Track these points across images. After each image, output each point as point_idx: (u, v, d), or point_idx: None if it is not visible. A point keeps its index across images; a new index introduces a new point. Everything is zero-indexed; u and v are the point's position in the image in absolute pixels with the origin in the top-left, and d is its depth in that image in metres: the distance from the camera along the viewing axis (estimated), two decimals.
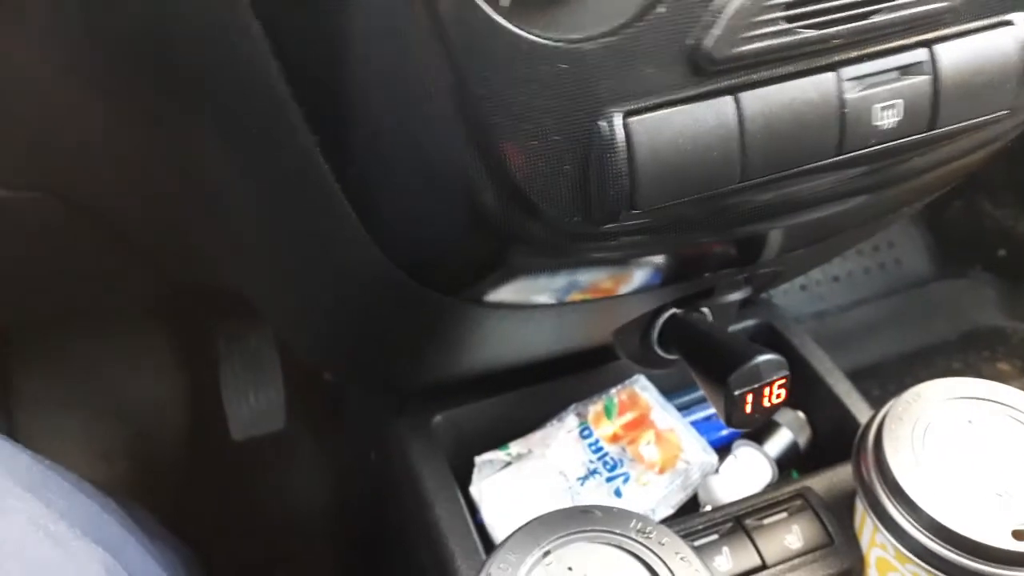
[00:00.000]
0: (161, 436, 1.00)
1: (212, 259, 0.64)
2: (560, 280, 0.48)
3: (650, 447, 0.69)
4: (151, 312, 1.02)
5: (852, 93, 0.40)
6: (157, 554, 0.50)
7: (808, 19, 0.37)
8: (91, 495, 0.47)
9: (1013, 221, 1.34)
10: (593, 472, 0.68)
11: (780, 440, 0.72)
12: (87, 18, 0.43)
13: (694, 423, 0.73)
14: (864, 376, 1.22)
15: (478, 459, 0.69)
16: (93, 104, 0.51)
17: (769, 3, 0.36)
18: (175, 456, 1.01)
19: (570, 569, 0.48)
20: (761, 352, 0.55)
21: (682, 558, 0.48)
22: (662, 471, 0.68)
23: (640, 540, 0.49)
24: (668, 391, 0.75)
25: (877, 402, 0.71)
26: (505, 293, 0.49)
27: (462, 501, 0.65)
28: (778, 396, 0.56)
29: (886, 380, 1.23)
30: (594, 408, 0.72)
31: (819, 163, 0.41)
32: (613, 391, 0.73)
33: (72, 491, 0.46)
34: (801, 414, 0.73)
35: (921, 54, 0.41)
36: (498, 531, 0.64)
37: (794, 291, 1.31)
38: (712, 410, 0.75)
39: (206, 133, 0.45)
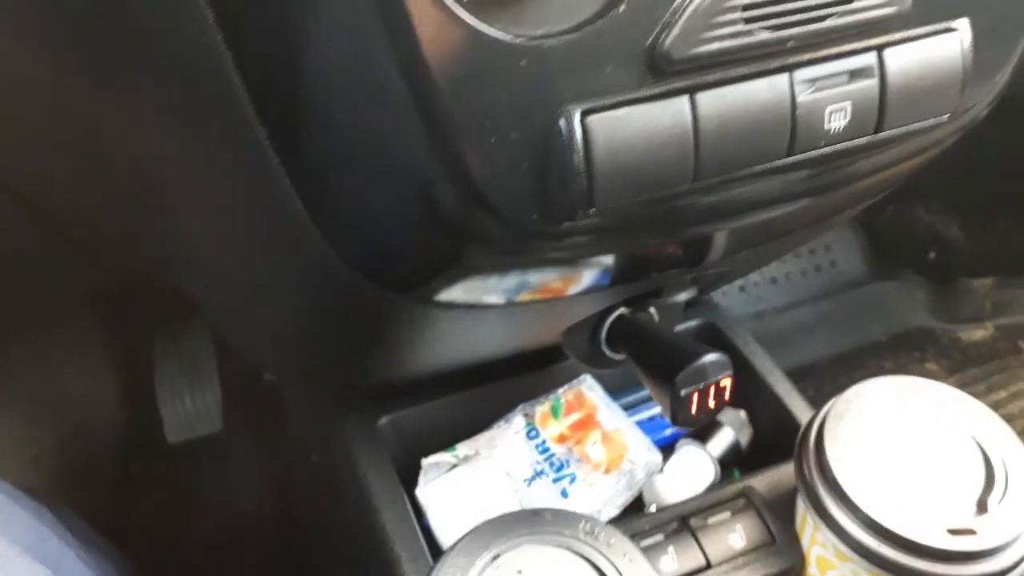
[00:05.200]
0: (94, 438, 0.97)
1: (158, 251, 0.62)
2: (512, 279, 0.48)
3: (596, 447, 0.69)
4: (85, 310, 0.98)
5: (804, 95, 0.40)
6: (93, 564, 0.48)
7: (765, 20, 0.38)
8: (26, 506, 0.45)
9: (943, 227, 1.38)
10: (540, 473, 0.68)
11: (723, 439, 0.73)
12: None
13: (639, 423, 0.73)
14: (800, 375, 1.24)
15: (425, 461, 0.69)
16: (43, 84, 0.49)
17: (728, 4, 0.36)
18: (108, 459, 0.97)
19: (519, 572, 0.48)
20: (707, 352, 0.56)
21: (629, 559, 0.49)
22: (608, 471, 0.68)
23: (588, 542, 0.49)
24: (614, 391, 0.75)
25: (812, 401, 0.72)
26: (456, 292, 0.48)
27: (408, 505, 0.64)
28: (723, 396, 0.57)
29: (821, 380, 1.26)
30: (541, 409, 0.72)
31: (770, 164, 0.41)
32: (560, 391, 0.73)
33: (7, 503, 0.44)
34: (743, 413, 0.74)
35: (870, 58, 0.41)
36: (445, 534, 0.64)
37: (733, 292, 1.34)
38: (657, 409, 0.76)
39: (156, 120, 0.43)
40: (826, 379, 1.26)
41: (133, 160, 0.47)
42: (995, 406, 1.22)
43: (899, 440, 0.56)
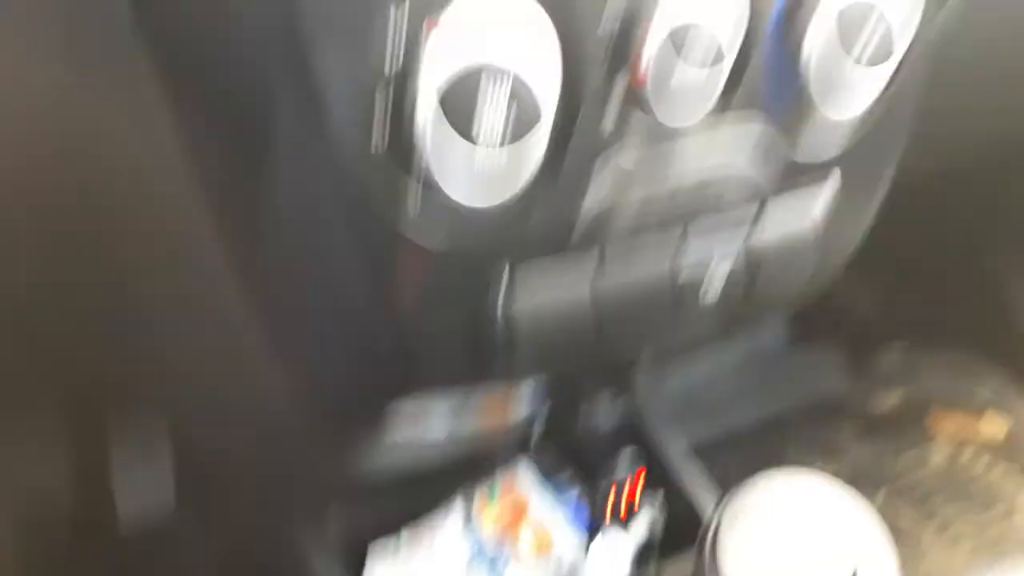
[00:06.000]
0: (42, 528, 0.98)
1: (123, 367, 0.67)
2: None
3: (527, 535, 0.75)
4: (37, 399, 1.00)
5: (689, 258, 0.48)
6: None
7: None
8: None
9: (856, 298, 1.48)
10: (476, 559, 0.74)
11: (643, 523, 0.79)
12: None
13: (572, 503, 0.80)
14: (721, 444, 1.31)
15: (371, 546, 0.74)
16: None
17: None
18: (58, 548, 0.98)
19: None
20: (621, 450, 0.63)
21: None
22: (537, 558, 0.74)
23: None
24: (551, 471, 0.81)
25: (733, 470, 0.77)
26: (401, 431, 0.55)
27: None
28: (638, 489, 0.65)
29: (740, 449, 1.31)
30: (479, 494, 0.78)
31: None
32: (498, 476, 0.80)
33: None
34: (660, 499, 0.81)
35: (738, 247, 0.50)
36: None
37: None
38: None
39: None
40: (745, 448, 1.31)
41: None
42: (905, 471, 1.30)
43: (789, 537, 0.62)
